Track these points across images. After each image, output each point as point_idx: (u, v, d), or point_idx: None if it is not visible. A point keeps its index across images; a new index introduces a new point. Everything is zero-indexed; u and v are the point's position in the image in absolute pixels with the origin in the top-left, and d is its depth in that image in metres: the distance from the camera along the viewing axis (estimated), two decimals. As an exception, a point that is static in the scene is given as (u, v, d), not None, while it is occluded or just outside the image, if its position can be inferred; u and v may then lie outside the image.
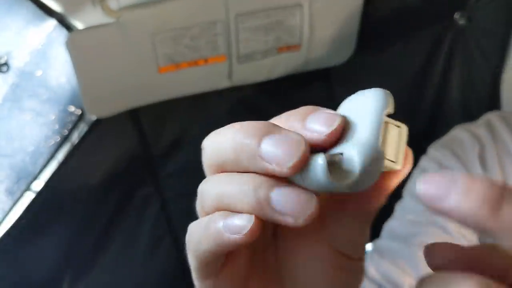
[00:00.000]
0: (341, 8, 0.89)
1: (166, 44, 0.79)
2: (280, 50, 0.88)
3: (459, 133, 0.62)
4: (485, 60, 1.05)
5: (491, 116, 0.64)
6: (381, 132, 0.20)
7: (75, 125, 0.87)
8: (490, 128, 0.60)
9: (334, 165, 0.21)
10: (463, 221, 0.18)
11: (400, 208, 0.64)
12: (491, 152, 0.56)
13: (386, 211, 0.62)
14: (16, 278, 0.91)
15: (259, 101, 0.99)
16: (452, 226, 0.55)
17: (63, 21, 0.77)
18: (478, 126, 0.62)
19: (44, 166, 0.87)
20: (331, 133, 0.21)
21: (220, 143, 0.23)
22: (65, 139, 0.87)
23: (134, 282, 1.00)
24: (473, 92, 1.08)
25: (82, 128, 0.87)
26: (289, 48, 0.89)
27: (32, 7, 0.75)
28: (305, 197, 0.20)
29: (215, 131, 0.23)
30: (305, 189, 0.21)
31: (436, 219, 0.56)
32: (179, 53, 0.81)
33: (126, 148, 0.93)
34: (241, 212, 0.21)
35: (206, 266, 0.24)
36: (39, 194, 0.86)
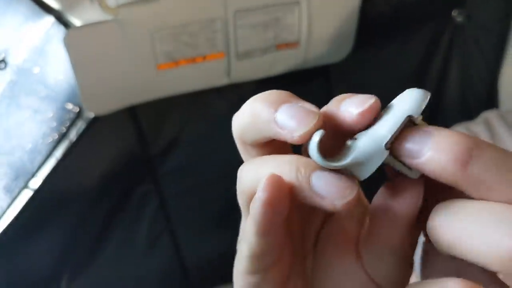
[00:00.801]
0: (339, 5, 0.89)
1: (165, 41, 0.79)
2: (278, 47, 0.88)
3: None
4: (483, 57, 1.05)
5: (489, 115, 0.64)
6: (395, 132, 0.20)
7: (73, 123, 0.87)
8: (488, 126, 0.60)
9: (346, 146, 0.21)
10: (435, 176, 0.19)
11: None
12: None
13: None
14: (14, 275, 0.91)
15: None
16: None
17: (61, 18, 0.77)
18: (476, 125, 0.62)
19: (42, 163, 0.87)
20: (361, 113, 0.21)
21: (242, 113, 0.23)
22: (63, 136, 0.87)
23: (133, 280, 1.00)
24: (471, 88, 1.08)
25: (80, 125, 0.87)
26: (288, 45, 0.88)
27: (30, 4, 0.75)
28: (346, 183, 0.20)
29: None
30: (347, 175, 0.21)
31: None
32: (177, 50, 0.81)
33: (124, 145, 0.93)
34: None
35: (262, 254, 0.23)
36: (37, 191, 0.86)
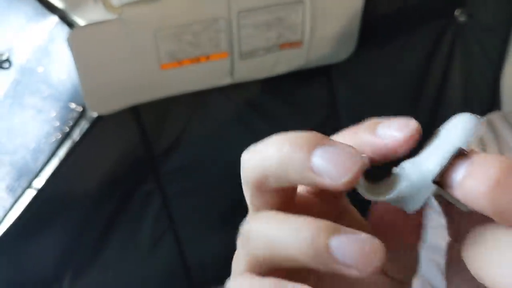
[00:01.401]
0: (342, 5, 0.89)
1: (168, 41, 0.79)
2: (282, 47, 0.88)
3: None
4: (486, 57, 1.05)
5: (493, 116, 0.64)
6: (443, 167, 0.18)
7: (76, 122, 0.87)
8: (492, 128, 0.60)
9: (390, 176, 0.20)
10: (471, 205, 0.18)
11: None
12: (494, 152, 0.56)
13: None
14: (17, 275, 0.91)
15: (261, 98, 0.99)
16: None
17: (64, 18, 0.77)
18: None
19: (45, 163, 0.87)
20: (406, 136, 0.19)
21: (264, 155, 0.20)
22: (66, 136, 0.87)
23: (135, 280, 1.00)
24: (474, 88, 1.08)
25: (83, 125, 0.87)
26: (291, 45, 0.88)
27: (34, 3, 0.75)
28: (371, 246, 0.18)
29: (254, 144, 0.21)
30: (370, 235, 0.19)
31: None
32: (181, 50, 0.81)
33: (127, 145, 0.93)
34: (295, 261, 0.19)
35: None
36: (40, 191, 0.86)
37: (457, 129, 0.19)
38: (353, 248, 0.18)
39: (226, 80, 0.90)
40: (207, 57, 0.84)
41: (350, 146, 0.19)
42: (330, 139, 0.20)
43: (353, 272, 0.18)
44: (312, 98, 1.03)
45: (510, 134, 0.58)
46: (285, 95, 1.00)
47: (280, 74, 0.93)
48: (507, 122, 0.60)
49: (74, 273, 0.94)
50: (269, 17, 0.83)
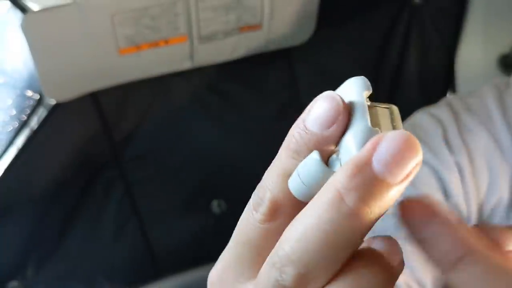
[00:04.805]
0: (300, -13, 0.90)
1: (126, 25, 0.78)
2: (241, 30, 0.88)
3: (420, 118, 0.62)
4: (441, 38, 1.08)
5: (451, 99, 0.65)
6: (367, 112, 0.20)
7: (33, 110, 0.85)
8: (452, 111, 0.61)
9: (336, 160, 0.20)
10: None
11: None
12: (454, 133, 0.58)
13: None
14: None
15: (222, 83, 0.99)
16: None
17: (17, 3, 0.75)
18: (440, 109, 0.63)
19: (3, 153, 0.85)
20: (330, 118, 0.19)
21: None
22: (23, 124, 0.85)
23: (100, 267, 0.99)
24: (429, 69, 1.11)
25: (41, 113, 0.85)
26: (250, 27, 0.89)
27: (-16, -12, 0.72)
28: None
29: None
30: None
31: None
32: (139, 34, 0.80)
33: (87, 132, 0.92)
34: None
35: None
36: (0, 180, 0.84)
37: (352, 88, 0.20)
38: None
39: (186, 65, 0.89)
40: (166, 41, 0.83)
41: None
42: None
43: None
44: (274, 81, 1.03)
45: (468, 116, 0.60)
46: (246, 78, 1.00)
47: (240, 58, 0.94)
48: (465, 105, 0.61)
49: (37, 262, 0.93)
50: (227, 0, 0.83)
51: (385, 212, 0.18)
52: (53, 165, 0.90)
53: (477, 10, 1.04)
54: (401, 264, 0.20)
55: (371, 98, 0.21)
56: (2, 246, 0.90)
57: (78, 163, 0.91)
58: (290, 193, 0.19)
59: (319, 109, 0.19)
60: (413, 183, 0.60)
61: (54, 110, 0.85)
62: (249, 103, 1.01)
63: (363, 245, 0.20)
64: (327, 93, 0.20)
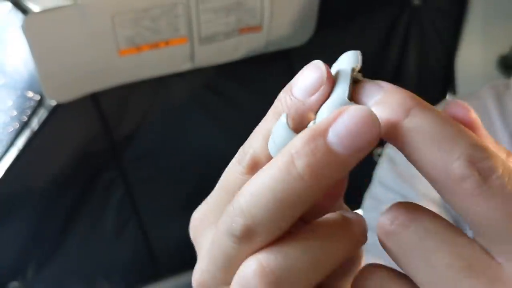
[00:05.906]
0: (300, -12, 0.90)
1: (126, 26, 0.78)
2: (241, 31, 0.88)
3: None
4: (440, 39, 1.08)
5: (498, 83, 0.65)
6: (349, 84, 0.20)
7: (34, 111, 0.85)
8: (497, 95, 0.61)
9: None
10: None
11: (370, 197, 0.63)
12: (497, 118, 0.58)
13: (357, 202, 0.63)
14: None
15: (222, 84, 0.99)
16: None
17: (18, 4, 0.75)
18: (485, 92, 0.62)
19: (3, 154, 0.85)
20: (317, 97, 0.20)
21: None
22: (24, 125, 0.85)
23: (100, 266, 0.99)
24: (429, 70, 1.11)
25: (42, 114, 0.85)
26: (250, 29, 0.89)
27: (-15, -11, 0.73)
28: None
29: None
30: None
31: None
32: (139, 35, 0.80)
33: (87, 133, 0.92)
34: None
35: None
36: (0, 182, 0.85)
37: (343, 62, 0.21)
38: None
39: (186, 66, 0.90)
40: (166, 43, 0.83)
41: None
42: None
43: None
44: (273, 82, 1.03)
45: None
46: (246, 79, 1.00)
47: (240, 59, 0.94)
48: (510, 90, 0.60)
49: (38, 262, 0.93)
50: (228, 2, 0.83)
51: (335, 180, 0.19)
52: (54, 165, 0.90)
53: (477, 11, 1.04)
54: (364, 235, 0.21)
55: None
56: (3, 247, 0.90)
57: (78, 163, 0.92)
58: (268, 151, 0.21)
59: (305, 77, 0.21)
60: (412, 183, 0.60)
61: (55, 111, 0.85)
62: (249, 103, 1.01)
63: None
64: (314, 62, 0.21)
